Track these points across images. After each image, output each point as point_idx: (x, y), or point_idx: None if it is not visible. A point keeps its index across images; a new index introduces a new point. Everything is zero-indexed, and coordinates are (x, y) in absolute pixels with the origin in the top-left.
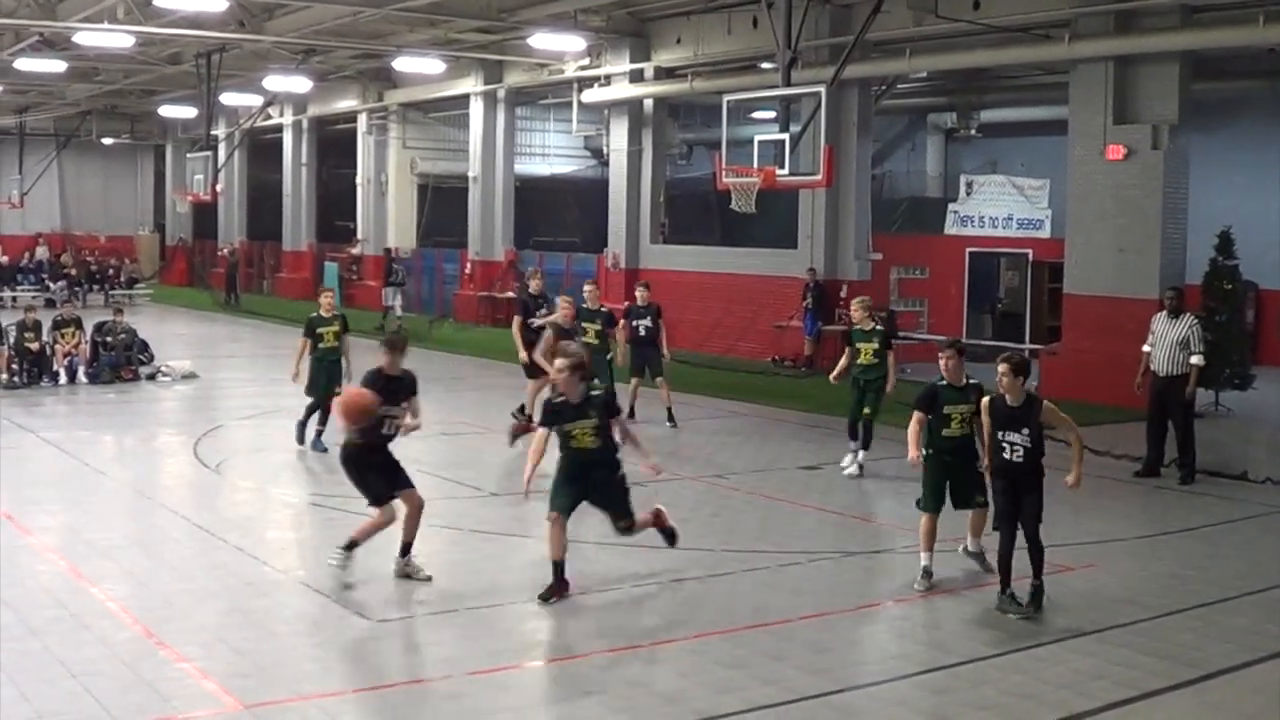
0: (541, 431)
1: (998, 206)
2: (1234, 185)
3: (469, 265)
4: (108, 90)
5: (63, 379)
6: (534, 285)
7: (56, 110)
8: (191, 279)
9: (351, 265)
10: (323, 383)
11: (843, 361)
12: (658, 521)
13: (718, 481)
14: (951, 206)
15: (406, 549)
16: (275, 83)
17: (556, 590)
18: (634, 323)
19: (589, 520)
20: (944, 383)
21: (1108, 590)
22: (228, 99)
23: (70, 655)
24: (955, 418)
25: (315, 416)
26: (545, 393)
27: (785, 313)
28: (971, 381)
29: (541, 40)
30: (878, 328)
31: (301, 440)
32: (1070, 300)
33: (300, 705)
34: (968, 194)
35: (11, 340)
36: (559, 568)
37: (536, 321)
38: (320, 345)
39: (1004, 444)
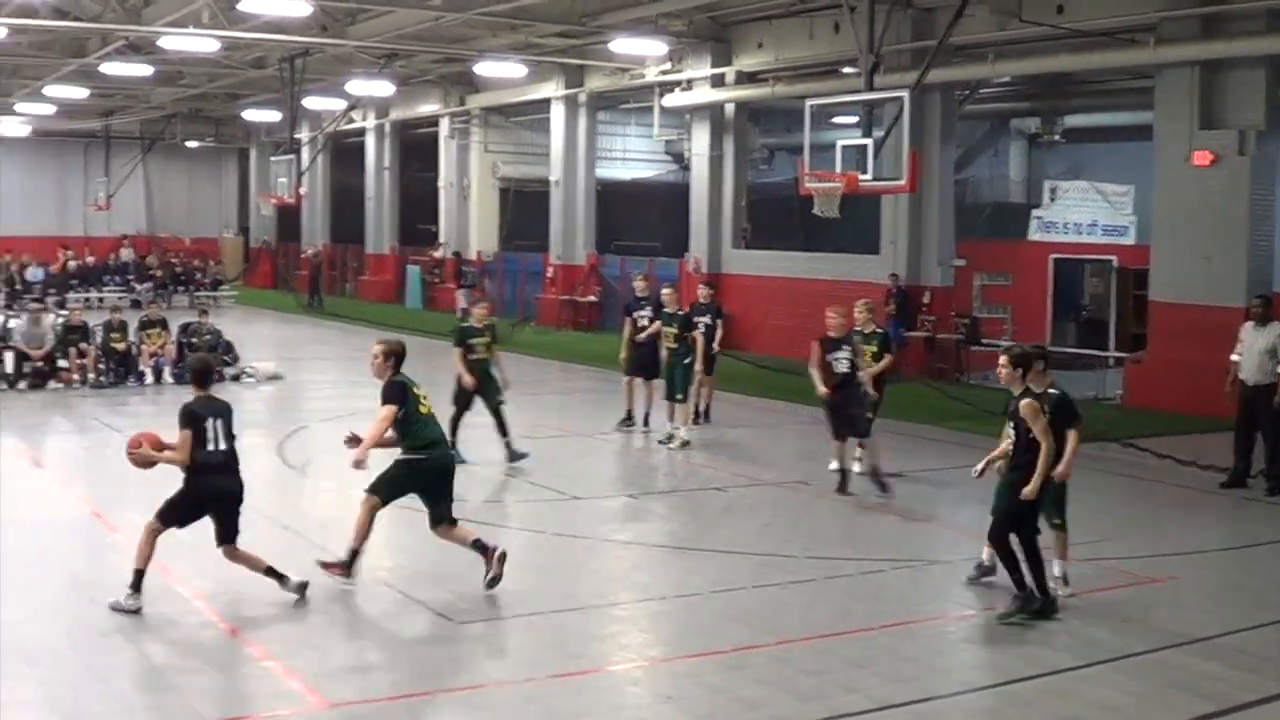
0: None
1: (1082, 212)
2: None
3: (551, 269)
4: (192, 94)
5: (148, 379)
6: (638, 286)
7: (142, 114)
8: (275, 281)
9: (433, 268)
10: (474, 394)
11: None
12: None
13: (800, 488)
14: (1035, 212)
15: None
16: (358, 87)
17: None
18: (694, 319)
19: (668, 525)
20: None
21: (1193, 603)
22: (311, 103)
23: (156, 652)
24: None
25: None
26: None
27: None
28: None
29: (623, 45)
30: (877, 330)
31: (513, 458)
32: (1156, 307)
33: (384, 705)
34: (1052, 200)
35: (98, 340)
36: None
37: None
38: (472, 356)
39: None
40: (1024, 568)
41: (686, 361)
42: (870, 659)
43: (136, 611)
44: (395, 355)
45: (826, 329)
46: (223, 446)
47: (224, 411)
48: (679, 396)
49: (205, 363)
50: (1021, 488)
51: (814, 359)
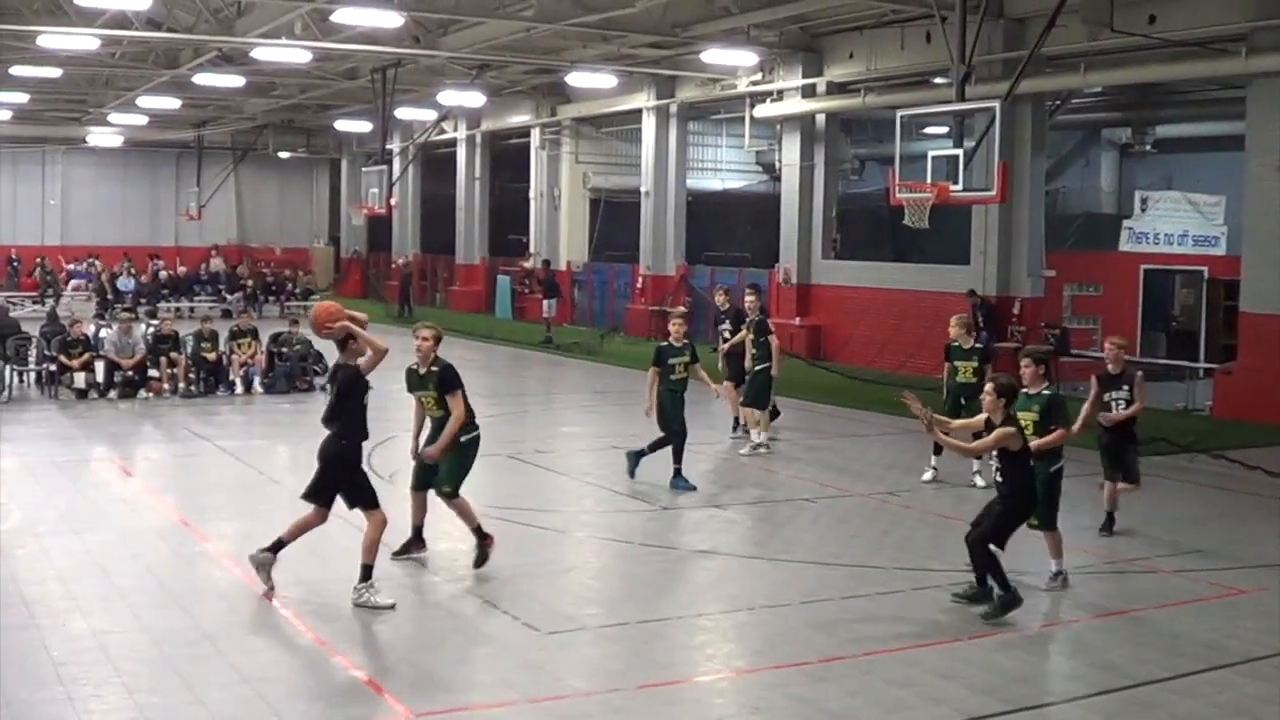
0: None
1: (1173, 223)
2: None
3: (640, 279)
4: (284, 105)
5: (238, 388)
6: (718, 299)
7: (234, 124)
8: (366, 291)
9: (524, 279)
10: (679, 416)
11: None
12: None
13: (889, 499)
14: (1126, 223)
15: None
16: (449, 97)
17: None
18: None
19: (756, 535)
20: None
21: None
22: (402, 113)
23: (243, 661)
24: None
25: (670, 453)
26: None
27: None
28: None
29: (714, 55)
30: (977, 345)
31: (632, 473)
32: (1246, 319)
33: (470, 715)
34: (1142, 210)
35: (189, 350)
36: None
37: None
38: (671, 377)
39: None
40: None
41: (758, 369)
42: (958, 670)
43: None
44: (441, 339)
45: (1107, 363)
46: None
47: None
48: (744, 402)
49: None
50: (1009, 517)
51: (1091, 398)
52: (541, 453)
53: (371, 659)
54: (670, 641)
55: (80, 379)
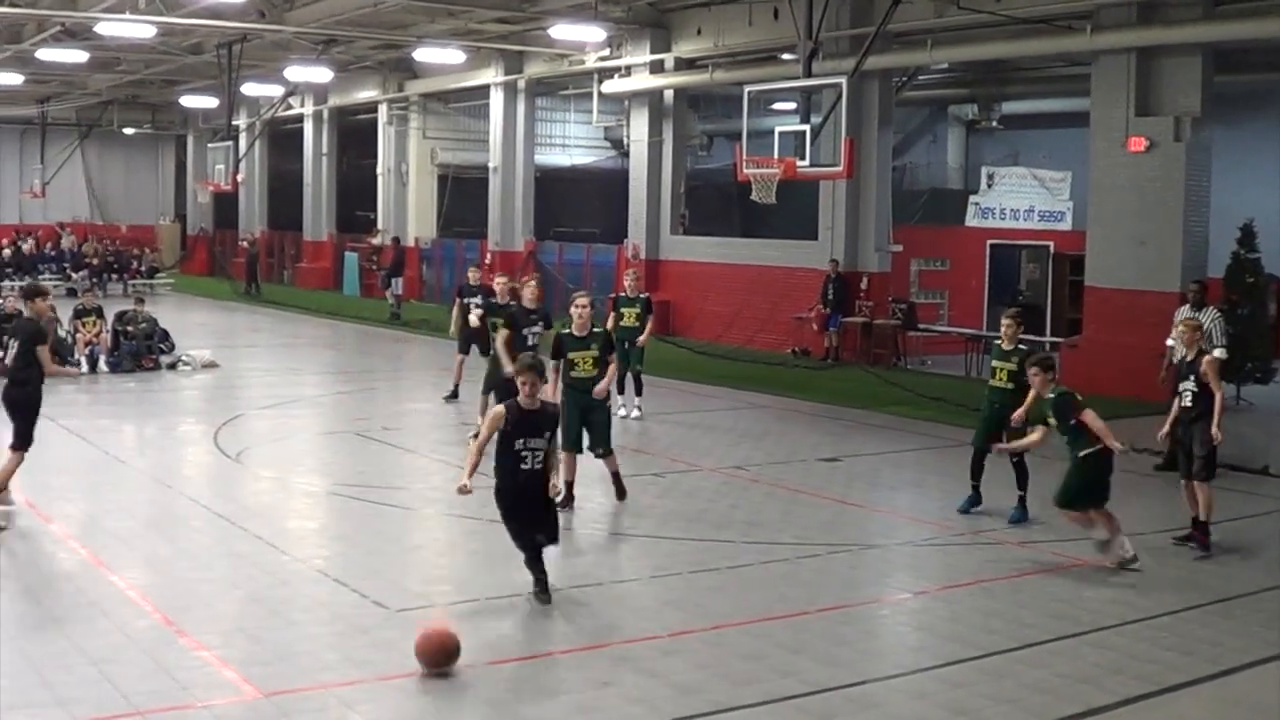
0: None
1: (1019, 198)
2: (1257, 178)
3: (489, 255)
4: (129, 80)
5: (84, 367)
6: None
7: (78, 100)
8: (212, 268)
9: (371, 255)
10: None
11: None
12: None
13: (737, 473)
14: (973, 198)
15: None
16: (296, 73)
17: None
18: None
19: (604, 511)
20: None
21: (1128, 584)
22: (249, 89)
23: (90, 643)
24: None
25: None
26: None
27: (805, 304)
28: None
29: (562, 31)
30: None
31: None
32: (1091, 293)
33: (319, 694)
34: (989, 186)
35: None
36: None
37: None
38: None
39: None
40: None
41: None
42: (806, 643)
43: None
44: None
45: (1172, 348)
46: None
47: None
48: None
49: None
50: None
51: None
52: (389, 429)
53: (219, 639)
54: (520, 618)
55: None
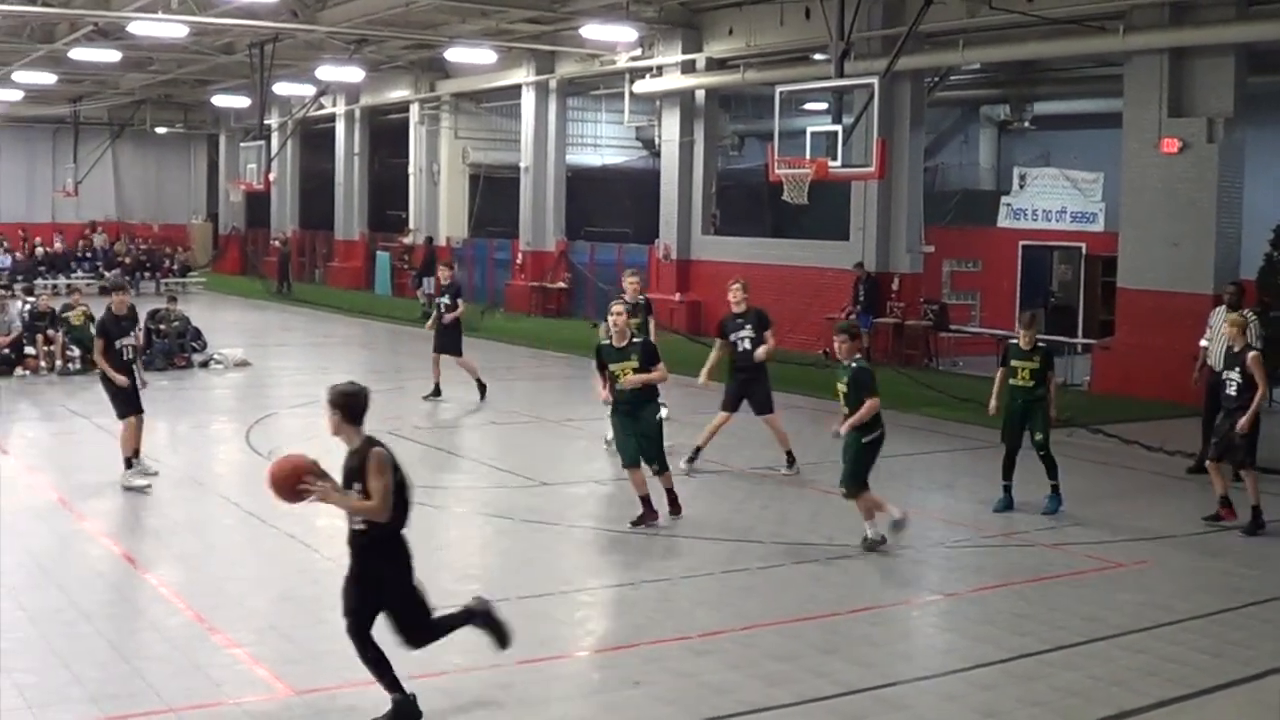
0: None
1: (1051, 199)
2: None
3: (520, 255)
4: (162, 80)
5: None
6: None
7: (110, 100)
8: (244, 267)
9: (403, 255)
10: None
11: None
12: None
13: (769, 474)
14: (1004, 199)
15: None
16: (328, 73)
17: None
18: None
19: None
20: None
21: (1160, 587)
22: (281, 89)
23: (123, 640)
24: None
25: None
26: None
27: (836, 305)
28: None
29: (593, 31)
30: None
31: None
32: (1123, 294)
33: (350, 692)
34: (1021, 187)
35: (66, 328)
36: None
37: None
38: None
39: None
40: None
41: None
42: (837, 644)
43: None
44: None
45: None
46: None
47: None
48: None
49: None
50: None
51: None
52: (420, 429)
53: (251, 637)
54: (551, 617)
55: None
